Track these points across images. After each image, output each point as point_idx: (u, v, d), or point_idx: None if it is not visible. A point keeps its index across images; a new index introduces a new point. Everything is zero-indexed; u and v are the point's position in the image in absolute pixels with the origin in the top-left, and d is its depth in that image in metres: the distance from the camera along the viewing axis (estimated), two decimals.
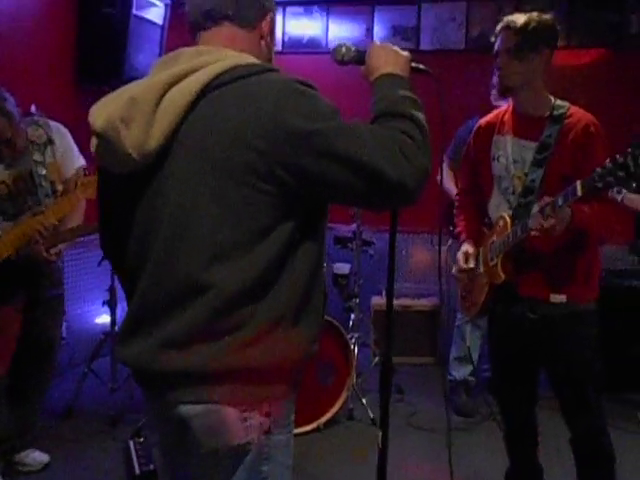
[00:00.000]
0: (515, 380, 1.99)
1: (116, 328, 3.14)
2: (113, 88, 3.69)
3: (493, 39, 1.84)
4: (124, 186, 1.12)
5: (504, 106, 1.98)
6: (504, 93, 1.86)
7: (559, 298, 1.81)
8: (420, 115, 1.12)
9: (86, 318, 3.70)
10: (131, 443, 2.61)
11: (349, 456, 2.66)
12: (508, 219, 1.85)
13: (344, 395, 2.92)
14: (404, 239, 4.17)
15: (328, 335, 2.83)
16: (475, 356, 3.25)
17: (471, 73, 3.84)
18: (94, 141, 1.09)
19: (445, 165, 3.16)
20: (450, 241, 3.39)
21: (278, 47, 4.18)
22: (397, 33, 4.23)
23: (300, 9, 4.37)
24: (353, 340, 3.12)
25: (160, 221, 1.08)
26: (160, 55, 3.83)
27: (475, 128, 2.03)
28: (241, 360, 1.04)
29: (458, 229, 2.10)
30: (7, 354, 2.37)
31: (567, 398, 1.89)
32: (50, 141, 2.41)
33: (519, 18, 1.79)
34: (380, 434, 1.37)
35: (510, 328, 1.92)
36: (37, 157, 2.35)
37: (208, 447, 1.08)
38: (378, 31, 4.26)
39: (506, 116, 1.92)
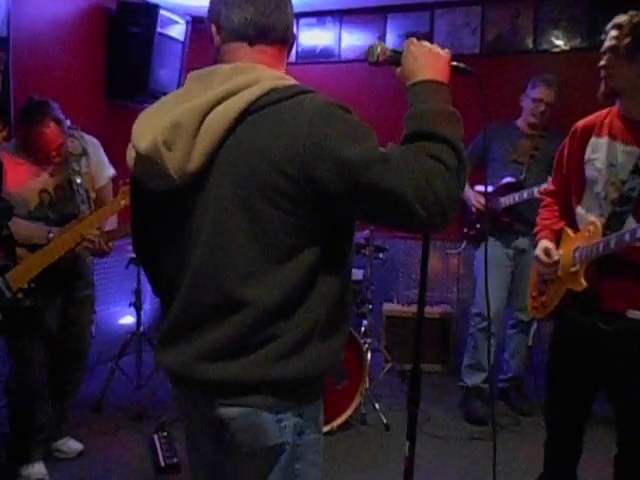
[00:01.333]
0: (572, 391, 1.89)
1: (141, 328, 3.33)
2: (138, 102, 3.94)
3: (603, 36, 1.74)
4: (160, 201, 1.17)
5: (605, 109, 1.87)
6: (610, 95, 1.75)
7: (638, 314, 1.69)
8: (458, 134, 1.07)
9: (113, 318, 3.88)
10: (155, 437, 2.78)
11: (362, 460, 2.72)
12: (599, 226, 1.74)
13: (357, 399, 2.97)
14: (417, 246, 4.23)
15: None
16: (486, 364, 3.20)
17: (487, 78, 3.88)
18: (132, 154, 1.14)
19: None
20: (464, 244, 3.44)
21: (292, 58, 4.27)
22: None
23: (313, 20, 4.42)
24: (366, 346, 3.17)
25: (197, 238, 1.12)
26: (181, 70, 4.02)
27: (572, 130, 1.93)
28: (274, 372, 1.09)
29: (538, 227, 2.02)
30: (47, 351, 2.52)
31: (626, 415, 1.78)
32: (85, 152, 2.58)
33: (634, 16, 1.67)
34: (408, 444, 1.39)
35: (578, 337, 1.82)
36: (74, 167, 2.52)
37: (246, 447, 1.13)
38: (391, 38, 4.25)
39: (607, 119, 1.82)
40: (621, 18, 1.71)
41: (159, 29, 3.68)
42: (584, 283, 1.77)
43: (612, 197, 1.76)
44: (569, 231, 1.92)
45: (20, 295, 1.96)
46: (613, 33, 1.71)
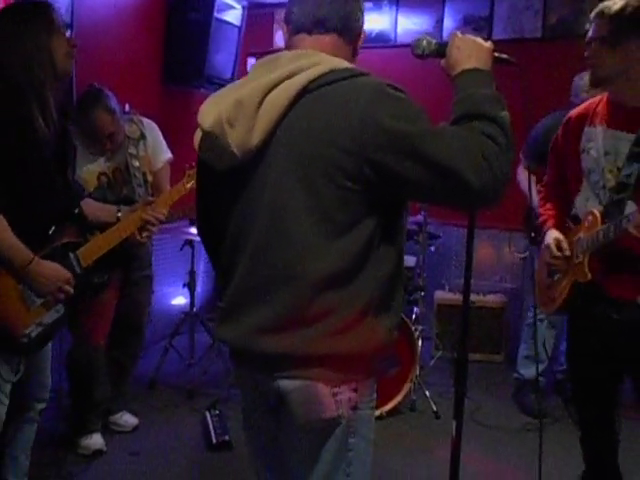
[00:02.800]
0: (594, 382, 1.89)
1: (194, 309, 3.40)
2: (195, 87, 3.97)
3: (588, 26, 1.73)
4: (224, 179, 1.21)
5: (597, 97, 1.86)
6: (597, 84, 1.76)
7: None
8: (505, 115, 1.12)
9: (167, 299, 3.98)
10: (207, 415, 2.84)
11: (411, 446, 2.72)
12: (598, 215, 1.74)
13: (407, 386, 2.97)
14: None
15: None
16: (545, 356, 3.08)
17: (549, 62, 3.71)
18: (198, 136, 1.20)
19: (521, 166, 3.04)
20: (527, 252, 3.33)
21: None
22: (468, 23, 4.15)
23: (370, 4, 4.35)
24: (417, 333, 3.16)
25: (257, 213, 1.16)
26: (237, 55, 4.05)
27: (565, 120, 1.92)
28: (330, 347, 1.13)
29: (543, 218, 2.00)
30: (106, 328, 2.64)
31: None
32: (143, 136, 2.65)
33: (615, 4, 1.66)
34: (454, 424, 1.43)
35: (592, 328, 1.81)
36: (132, 151, 2.59)
37: (303, 419, 1.17)
38: (448, 22, 4.19)
39: (599, 107, 1.81)
40: (602, 6, 1.69)
41: (216, 14, 3.71)
42: (589, 274, 1.75)
43: (610, 185, 1.73)
44: (570, 224, 1.90)
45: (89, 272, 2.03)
46: (597, 22, 1.69)
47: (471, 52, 1.20)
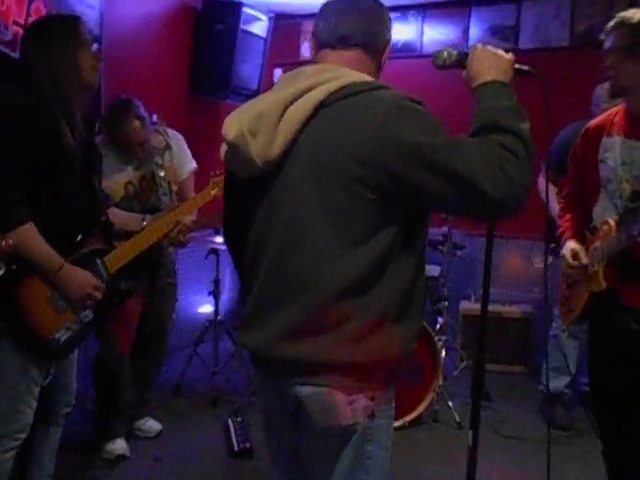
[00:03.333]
0: (615, 393, 1.88)
1: (219, 317, 3.43)
2: (221, 98, 4.03)
3: (603, 36, 1.75)
4: (247, 188, 1.24)
5: (615, 108, 1.89)
6: (616, 94, 1.78)
7: None
8: (525, 127, 1.13)
9: (191, 307, 4.04)
10: (230, 422, 2.86)
11: (433, 456, 2.70)
12: (613, 224, 1.77)
13: (430, 396, 2.96)
14: (496, 244, 4.09)
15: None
16: (572, 367, 3.11)
17: (577, 71, 3.69)
18: (224, 148, 1.24)
19: (542, 176, 3.02)
20: (551, 258, 3.31)
21: None
22: (494, 33, 4.17)
23: (396, 14, 4.36)
24: (441, 343, 3.15)
25: (277, 222, 1.19)
26: (263, 65, 4.11)
27: (583, 131, 1.95)
28: (347, 354, 1.14)
29: (562, 229, 2.02)
30: (131, 335, 2.69)
31: None
32: (168, 147, 2.71)
33: (635, 14, 1.68)
34: (470, 433, 1.45)
35: (612, 338, 1.82)
36: (158, 160, 2.66)
37: (319, 425, 1.18)
38: (475, 32, 4.21)
39: (616, 117, 1.84)
40: (621, 17, 1.70)
41: (242, 26, 3.79)
42: (604, 283, 1.76)
43: (626, 194, 1.75)
44: (587, 234, 1.91)
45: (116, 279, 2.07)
46: (616, 32, 1.71)
47: (491, 64, 1.21)
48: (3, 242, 1.60)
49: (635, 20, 1.67)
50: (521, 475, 2.57)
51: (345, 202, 1.12)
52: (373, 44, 1.26)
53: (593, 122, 1.93)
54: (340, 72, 1.19)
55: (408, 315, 1.19)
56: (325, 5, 1.30)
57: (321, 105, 1.14)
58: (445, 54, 1.32)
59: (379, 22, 1.28)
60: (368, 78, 1.20)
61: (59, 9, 3.14)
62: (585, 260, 1.86)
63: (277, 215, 1.19)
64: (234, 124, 1.19)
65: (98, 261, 1.98)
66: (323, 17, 1.28)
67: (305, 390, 1.18)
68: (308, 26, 4.67)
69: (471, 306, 3.89)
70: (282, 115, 1.15)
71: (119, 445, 2.63)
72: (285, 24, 4.46)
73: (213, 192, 2.45)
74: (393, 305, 1.16)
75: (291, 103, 1.16)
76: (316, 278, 1.14)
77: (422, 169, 1.08)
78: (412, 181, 1.09)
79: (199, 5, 3.93)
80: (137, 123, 2.51)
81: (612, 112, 1.88)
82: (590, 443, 2.75)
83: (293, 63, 4.69)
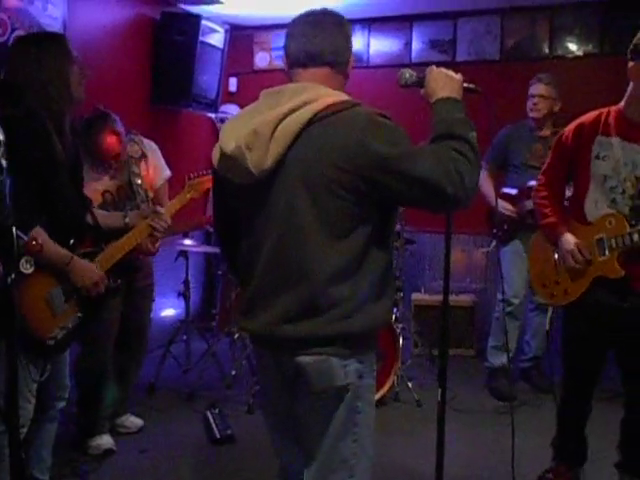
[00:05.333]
0: (585, 357, 2.18)
1: (189, 317, 3.58)
2: (182, 107, 4.17)
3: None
4: (242, 192, 1.43)
5: (605, 108, 2.08)
6: None
7: None
8: (473, 135, 1.37)
9: (157, 309, 4.12)
10: (209, 413, 3.03)
11: (397, 431, 2.97)
12: (622, 218, 1.98)
13: (391, 379, 3.23)
14: (442, 239, 4.37)
15: None
16: (513, 345, 3.47)
17: (507, 82, 4.07)
18: (217, 155, 1.43)
19: (483, 170, 3.34)
20: (493, 243, 3.65)
21: None
22: (434, 46, 4.49)
23: None
24: (398, 331, 3.40)
25: (273, 221, 1.40)
26: (220, 75, 4.27)
27: (576, 126, 2.12)
28: (341, 328, 1.37)
29: (550, 220, 2.20)
30: (113, 334, 2.79)
31: (633, 378, 2.10)
32: (144, 155, 2.84)
33: None
34: (440, 391, 1.72)
35: (594, 312, 2.06)
36: (134, 169, 2.78)
37: (318, 387, 1.39)
38: (416, 45, 4.51)
39: (610, 118, 2.02)
40: None
41: (201, 37, 3.92)
42: (621, 270, 1.99)
43: (631, 192, 1.98)
44: (576, 223, 2.12)
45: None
46: None
47: (445, 83, 1.45)
48: (33, 242, 1.73)
49: None
50: (473, 443, 2.89)
51: (329, 201, 1.33)
52: (340, 59, 1.45)
53: (586, 119, 2.11)
54: (319, 92, 1.38)
55: (385, 294, 1.43)
56: (293, 25, 1.47)
57: (308, 123, 1.34)
58: (407, 75, 1.54)
59: (344, 38, 1.46)
60: (344, 97, 1.40)
61: (23, 21, 3.20)
62: (589, 255, 2.06)
63: (273, 214, 1.39)
64: (231, 139, 1.38)
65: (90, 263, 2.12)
66: (292, 37, 1.45)
67: (305, 359, 1.38)
68: (260, 37, 4.88)
69: (422, 297, 4.23)
70: (274, 132, 1.34)
71: (105, 440, 2.73)
72: (239, 35, 4.64)
73: (189, 195, 2.62)
74: (374, 286, 1.39)
75: (280, 121, 1.34)
76: (310, 267, 1.35)
77: (391, 175, 1.31)
78: (383, 184, 1.32)
79: (158, 16, 4.05)
80: (113, 138, 2.63)
81: (603, 112, 2.08)
82: (530, 412, 3.16)
83: (247, 72, 4.90)
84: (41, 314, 2.00)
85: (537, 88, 3.34)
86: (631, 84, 2.03)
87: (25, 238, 1.76)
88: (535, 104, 3.34)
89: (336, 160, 1.32)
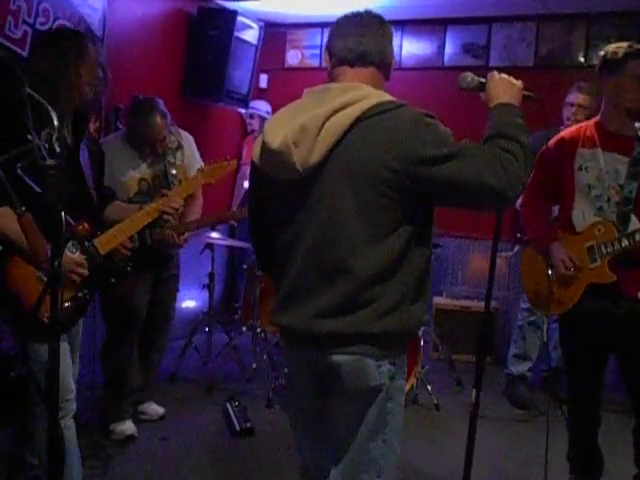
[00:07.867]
0: (585, 366, 2.18)
1: (212, 310, 3.61)
2: (214, 101, 4.21)
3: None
4: (284, 187, 1.43)
5: (583, 123, 2.19)
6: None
7: None
8: (526, 138, 1.38)
9: (185, 298, 4.18)
10: (228, 405, 3.06)
11: (415, 434, 2.94)
12: (612, 226, 2.03)
13: (411, 381, 3.23)
14: (466, 244, 4.38)
15: None
16: (534, 355, 3.47)
17: (539, 89, 4.04)
18: (258, 150, 1.44)
19: None
20: (517, 248, 3.62)
21: None
22: (467, 51, 4.47)
23: None
24: (420, 334, 3.40)
25: (314, 217, 1.40)
26: (253, 71, 4.31)
27: (557, 140, 2.20)
28: (375, 328, 1.37)
29: (539, 232, 2.26)
30: (138, 321, 2.83)
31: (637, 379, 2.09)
32: (180, 146, 2.88)
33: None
34: (474, 392, 1.72)
35: (590, 320, 2.08)
36: (170, 159, 2.82)
37: (352, 387, 1.40)
38: (449, 49, 4.50)
39: (588, 132, 2.11)
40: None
41: (236, 33, 3.97)
42: (613, 275, 2.02)
43: (615, 200, 2.03)
44: (566, 234, 2.15)
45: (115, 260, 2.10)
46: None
47: (505, 89, 1.47)
48: (80, 226, 1.74)
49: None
50: (491, 447, 2.86)
51: (374, 200, 1.34)
52: (385, 61, 1.48)
53: (566, 133, 2.20)
54: (365, 91, 1.40)
55: (421, 296, 1.44)
56: (339, 23, 1.48)
57: (357, 121, 1.35)
58: (469, 79, 1.55)
59: (389, 41, 1.49)
60: (390, 97, 1.41)
61: (65, 10, 3.26)
62: (578, 260, 2.10)
63: (314, 211, 1.40)
64: (276, 134, 1.38)
65: (87, 243, 2.01)
66: (339, 35, 1.47)
67: (340, 358, 1.39)
68: (293, 35, 4.90)
69: (443, 301, 4.22)
70: (321, 129, 1.35)
71: (128, 426, 2.78)
72: (272, 32, 4.67)
73: (202, 180, 2.55)
74: (410, 288, 1.40)
75: (328, 118, 1.35)
76: (349, 266, 1.36)
77: (438, 174, 1.32)
78: (429, 183, 1.33)
79: (194, 11, 4.09)
80: (161, 120, 2.66)
81: (582, 126, 2.18)
82: (550, 422, 3.14)
83: (278, 69, 4.92)
84: (36, 292, 1.94)
85: (576, 97, 3.33)
86: (604, 98, 2.12)
87: (73, 223, 1.76)
88: (573, 113, 3.33)
89: (383, 158, 1.33)
